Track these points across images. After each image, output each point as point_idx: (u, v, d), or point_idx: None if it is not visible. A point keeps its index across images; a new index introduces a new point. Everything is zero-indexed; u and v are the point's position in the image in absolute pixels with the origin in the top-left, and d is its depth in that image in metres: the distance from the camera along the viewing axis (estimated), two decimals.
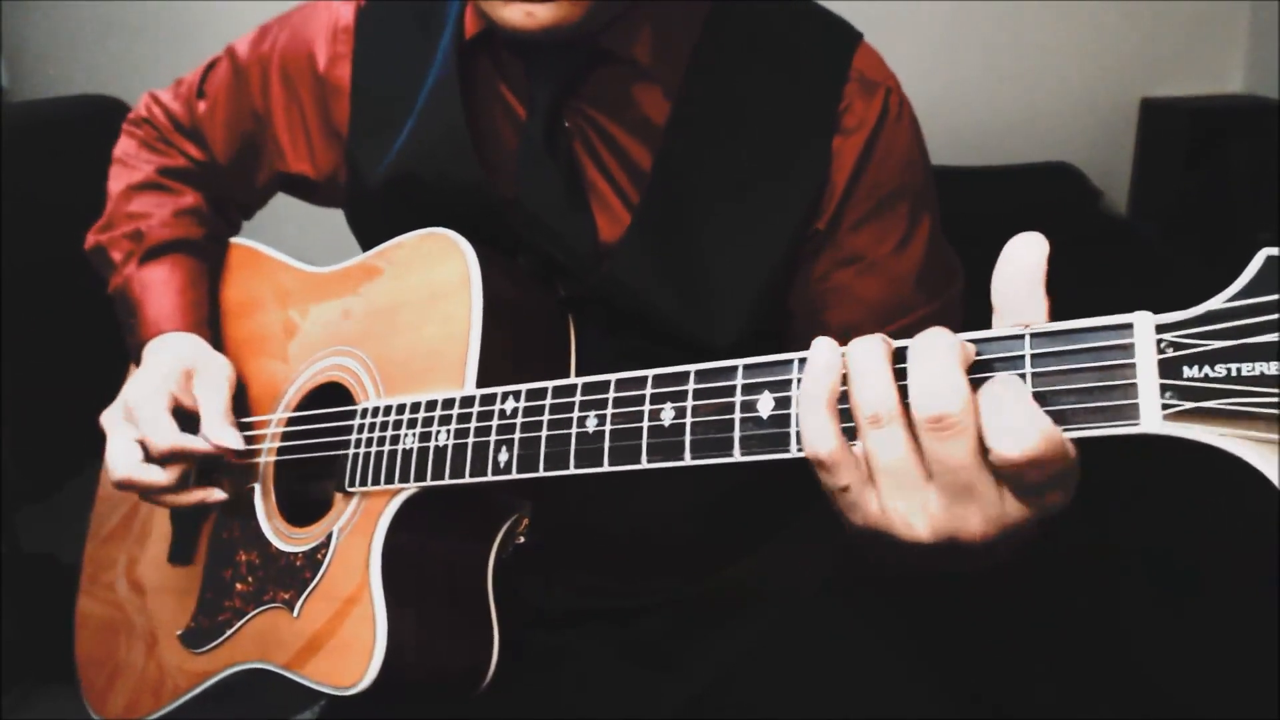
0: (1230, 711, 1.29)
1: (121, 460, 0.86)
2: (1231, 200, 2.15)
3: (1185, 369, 0.44)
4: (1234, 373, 0.43)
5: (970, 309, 0.83)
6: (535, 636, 0.90)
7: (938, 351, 0.48)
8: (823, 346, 0.52)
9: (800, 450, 0.54)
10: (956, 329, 0.50)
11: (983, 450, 0.48)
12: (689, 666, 0.91)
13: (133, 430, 0.87)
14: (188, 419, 0.89)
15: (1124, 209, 2.46)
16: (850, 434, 0.52)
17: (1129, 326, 0.46)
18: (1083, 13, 2.35)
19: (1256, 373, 0.42)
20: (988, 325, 0.52)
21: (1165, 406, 0.44)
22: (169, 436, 0.85)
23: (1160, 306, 0.48)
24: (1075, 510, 0.53)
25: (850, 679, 0.87)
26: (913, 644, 0.90)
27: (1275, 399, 0.42)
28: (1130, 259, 2.11)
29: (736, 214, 0.82)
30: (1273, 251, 0.43)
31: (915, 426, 0.49)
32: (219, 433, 0.86)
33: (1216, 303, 0.44)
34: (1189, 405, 0.44)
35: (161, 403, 0.87)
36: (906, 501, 0.50)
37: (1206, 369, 0.43)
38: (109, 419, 0.89)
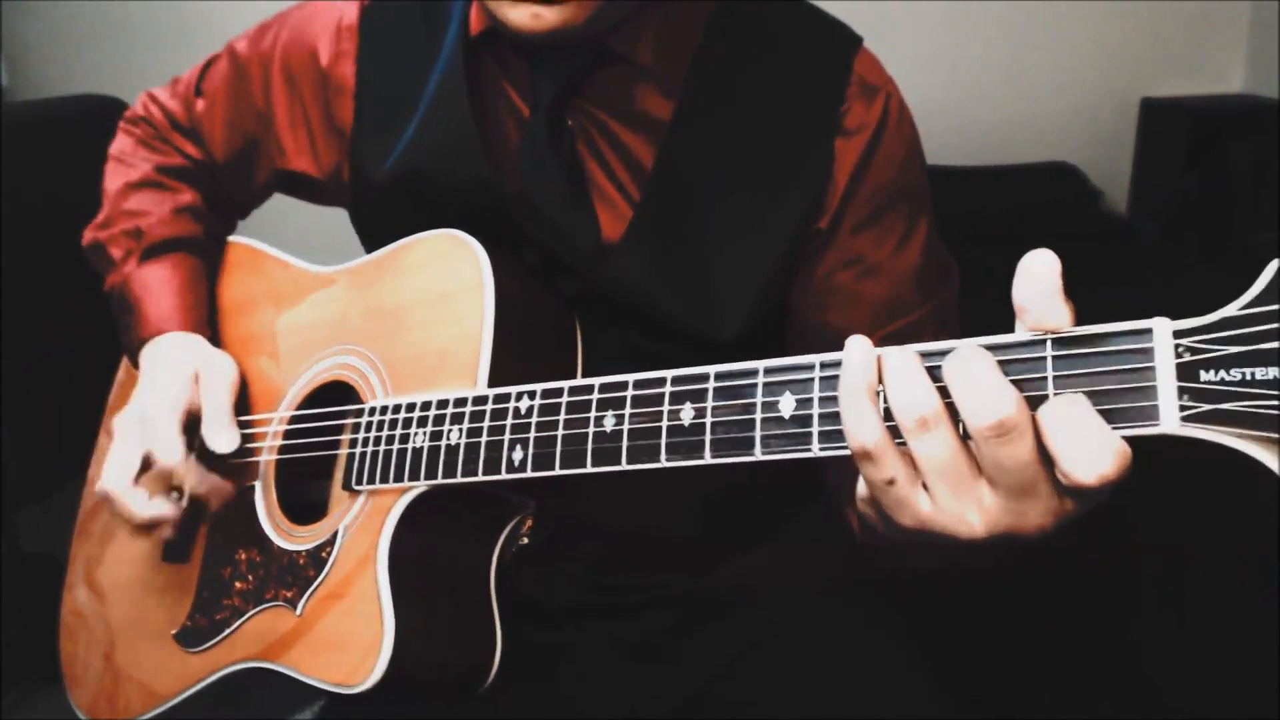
0: (1230, 711, 1.29)
1: (115, 473, 0.85)
2: (1231, 200, 2.15)
3: (1202, 373, 0.45)
4: (1248, 377, 0.44)
5: (970, 307, 0.83)
6: (535, 632, 0.90)
7: (975, 361, 0.49)
8: (858, 343, 0.53)
9: (822, 449, 0.55)
10: (955, 327, 0.51)
11: (1042, 450, 0.48)
12: (689, 663, 0.91)
13: (141, 445, 0.86)
14: (198, 426, 0.89)
15: (1124, 209, 2.46)
16: (894, 433, 0.52)
17: (1148, 332, 0.47)
18: (1083, 13, 2.35)
19: (1270, 377, 0.44)
20: (987, 324, 0.52)
21: (1183, 408, 0.46)
22: (174, 456, 0.85)
23: (1161, 306, 0.48)
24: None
25: (850, 678, 0.87)
26: (913, 644, 0.90)
27: None
28: (1130, 259, 2.11)
29: (738, 212, 0.82)
30: None
31: (971, 435, 0.49)
32: (215, 435, 0.86)
33: (1231, 309, 0.45)
34: (1206, 407, 0.45)
35: (176, 420, 0.86)
36: (961, 500, 0.51)
37: (1222, 373, 0.45)
38: (122, 424, 0.88)
